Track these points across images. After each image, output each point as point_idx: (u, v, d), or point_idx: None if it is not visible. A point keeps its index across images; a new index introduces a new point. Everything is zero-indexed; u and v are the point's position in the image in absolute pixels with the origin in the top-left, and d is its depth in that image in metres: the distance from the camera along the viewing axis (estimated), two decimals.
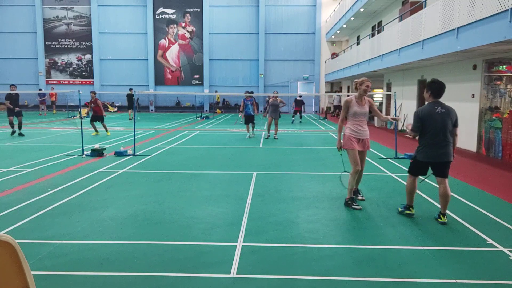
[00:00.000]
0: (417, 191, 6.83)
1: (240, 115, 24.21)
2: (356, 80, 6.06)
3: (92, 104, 14.88)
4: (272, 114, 14.07)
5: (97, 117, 14.88)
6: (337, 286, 3.50)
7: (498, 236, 4.67)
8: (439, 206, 5.45)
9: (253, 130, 15.05)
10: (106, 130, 15.02)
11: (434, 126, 5.06)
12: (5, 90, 23.75)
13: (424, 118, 5.11)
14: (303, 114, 24.65)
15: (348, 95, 28.06)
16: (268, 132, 14.54)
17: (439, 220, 5.19)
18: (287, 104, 31.51)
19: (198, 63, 33.16)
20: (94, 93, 15.09)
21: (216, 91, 30.83)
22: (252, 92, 15.31)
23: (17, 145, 12.16)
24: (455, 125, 5.15)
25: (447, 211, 5.35)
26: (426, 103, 5.29)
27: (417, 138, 5.35)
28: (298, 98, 22.69)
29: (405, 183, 5.60)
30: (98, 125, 15.24)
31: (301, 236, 4.72)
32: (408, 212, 5.46)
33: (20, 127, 14.65)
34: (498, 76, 11.11)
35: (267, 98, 15.03)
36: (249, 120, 14.59)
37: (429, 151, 5.12)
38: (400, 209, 5.59)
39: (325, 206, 5.96)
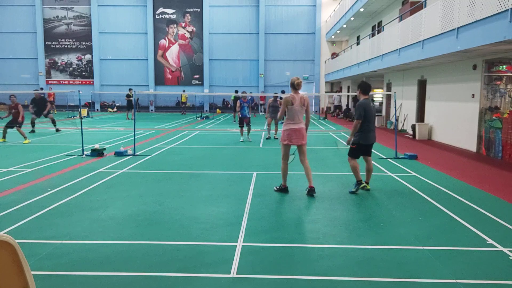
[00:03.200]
0: (417, 190, 6.84)
1: (234, 115, 24.15)
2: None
3: (13, 110, 13.22)
4: (272, 115, 14.09)
5: (13, 122, 13.22)
6: (337, 286, 3.50)
7: (498, 236, 4.67)
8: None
9: (248, 134, 14.11)
10: (25, 138, 12.96)
11: (371, 115, 6.61)
12: (5, 90, 23.66)
13: (366, 110, 6.56)
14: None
15: (348, 95, 28.02)
16: (269, 133, 14.52)
17: (366, 188, 6.71)
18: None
19: (198, 63, 33.16)
20: (14, 96, 13.58)
21: (184, 91, 30.34)
22: (244, 92, 15.02)
23: (17, 145, 12.16)
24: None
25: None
26: (361, 99, 6.76)
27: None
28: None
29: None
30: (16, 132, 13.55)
31: (301, 236, 4.72)
32: (362, 186, 6.68)
33: (54, 124, 16.02)
34: (498, 76, 11.11)
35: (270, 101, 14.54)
36: (243, 122, 13.79)
37: (368, 135, 6.62)
38: (353, 189, 6.61)
39: (325, 206, 5.96)
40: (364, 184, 6.77)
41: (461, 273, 3.73)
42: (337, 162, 9.63)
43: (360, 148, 6.70)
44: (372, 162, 6.87)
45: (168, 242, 4.46)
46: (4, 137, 13.12)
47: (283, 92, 16.22)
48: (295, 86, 6.46)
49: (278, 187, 6.77)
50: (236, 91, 22.83)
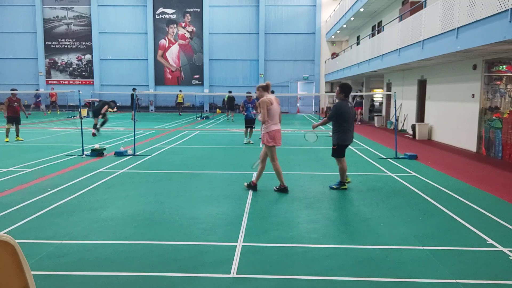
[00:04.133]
0: (417, 190, 6.84)
1: (230, 115, 24.07)
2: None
3: (15, 103, 13.10)
4: None
5: (16, 115, 13.13)
6: (337, 286, 3.50)
7: (498, 236, 4.67)
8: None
9: (250, 136, 13.59)
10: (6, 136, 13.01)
11: (349, 116, 6.78)
12: (5, 90, 23.67)
13: (342, 111, 6.76)
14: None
15: (352, 95, 28.11)
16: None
17: (343, 187, 6.85)
18: (283, 104, 31.61)
19: (198, 63, 33.16)
20: (16, 90, 13.40)
21: (180, 91, 30.10)
22: (250, 93, 14.74)
23: (17, 145, 12.15)
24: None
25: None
26: (338, 100, 6.97)
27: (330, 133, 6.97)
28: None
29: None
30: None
31: (301, 236, 4.72)
32: (343, 187, 6.87)
33: (101, 124, 15.64)
34: (498, 76, 11.11)
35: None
36: (249, 123, 13.32)
37: (346, 136, 6.82)
38: (334, 186, 6.86)
39: (325, 206, 5.96)
40: (345, 185, 6.94)
41: (461, 273, 3.72)
42: None
43: (341, 148, 6.90)
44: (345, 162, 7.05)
45: (168, 242, 4.45)
46: (7, 136, 13.04)
47: (273, 92, 16.15)
48: (267, 88, 6.72)
49: (277, 187, 6.78)
50: (230, 92, 22.77)
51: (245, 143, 13.18)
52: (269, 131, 6.48)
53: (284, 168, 8.85)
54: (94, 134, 14.77)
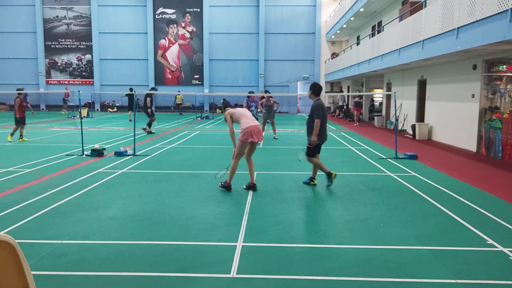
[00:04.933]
0: (417, 190, 6.84)
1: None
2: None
3: (23, 103, 13.31)
4: (265, 115, 14.12)
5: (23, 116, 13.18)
6: (337, 286, 3.50)
7: (498, 236, 4.67)
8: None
9: None
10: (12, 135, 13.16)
11: (324, 115, 6.96)
12: (5, 90, 23.63)
13: (323, 109, 6.96)
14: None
15: (348, 95, 28.02)
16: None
17: (311, 183, 7.19)
18: (283, 104, 31.55)
19: (198, 63, 33.15)
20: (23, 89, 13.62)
21: (179, 91, 29.99)
22: (253, 92, 14.82)
23: (17, 145, 12.15)
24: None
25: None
26: (314, 99, 7.10)
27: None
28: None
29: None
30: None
31: (301, 236, 4.72)
32: (312, 183, 7.15)
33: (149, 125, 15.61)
34: (498, 76, 11.11)
35: (260, 100, 14.15)
36: None
37: (322, 135, 7.00)
38: (329, 183, 7.04)
39: (325, 206, 5.96)
40: (313, 181, 7.23)
41: (461, 273, 3.73)
42: (337, 162, 9.62)
43: (316, 146, 7.11)
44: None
45: (168, 242, 4.46)
46: (13, 135, 13.11)
47: (266, 91, 16.11)
48: (228, 104, 7.36)
49: (223, 183, 6.83)
50: (250, 92, 22.72)
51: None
52: (245, 127, 6.58)
53: (284, 168, 8.87)
54: (150, 132, 15.23)
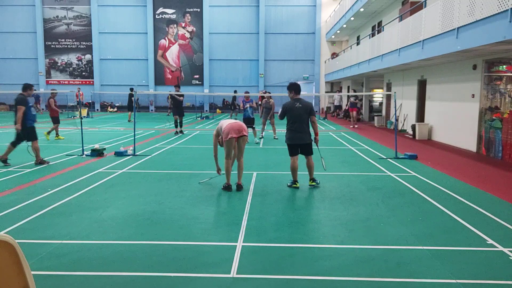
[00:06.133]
0: (417, 190, 6.84)
1: (234, 114, 24.07)
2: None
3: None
4: (265, 116, 14.17)
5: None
6: (337, 286, 3.50)
7: (498, 236, 4.67)
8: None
9: (255, 136, 13.57)
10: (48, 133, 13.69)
11: (291, 115, 6.82)
12: (5, 90, 23.65)
13: (287, 110, 6.87)
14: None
15: (348, 95, 28.03)
16: (262, 133, 14.38)
17: (309, 184, 7.01)
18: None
19: (198, 63, 33.15)
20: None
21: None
22: (248, 92, 14.78)
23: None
24: (310, 113, 6.89)
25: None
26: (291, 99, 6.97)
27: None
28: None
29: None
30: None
31: (301, 236, 4.72)
32: (294, 186, 6.96)
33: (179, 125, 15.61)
34: (498, 76, 11.11)
35: (260, 101, 14.25)
36: (248, 123, 12.93)
37: (291, 135, 6.89)
38: (288, 184, 7.04)
39: (325, 206, 5.96)
40: (296, 184, 7.01)
41: (461, 273, 3.72)
42: (337, 162, 9.62)
43: (289, 147, 7.01)
44: (312, 160, 7.10)
45: (168, 242, 4.45)
46: (50, 133, 13.64)
47: (264, 92, 16.20)
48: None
49: (224, 185, 6.91)
50: (235, 91, 22.78)
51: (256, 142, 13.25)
52: (225, 128, 6.66)
53: (284, 168, 8.86)
54: (182, 132, 15.40)
